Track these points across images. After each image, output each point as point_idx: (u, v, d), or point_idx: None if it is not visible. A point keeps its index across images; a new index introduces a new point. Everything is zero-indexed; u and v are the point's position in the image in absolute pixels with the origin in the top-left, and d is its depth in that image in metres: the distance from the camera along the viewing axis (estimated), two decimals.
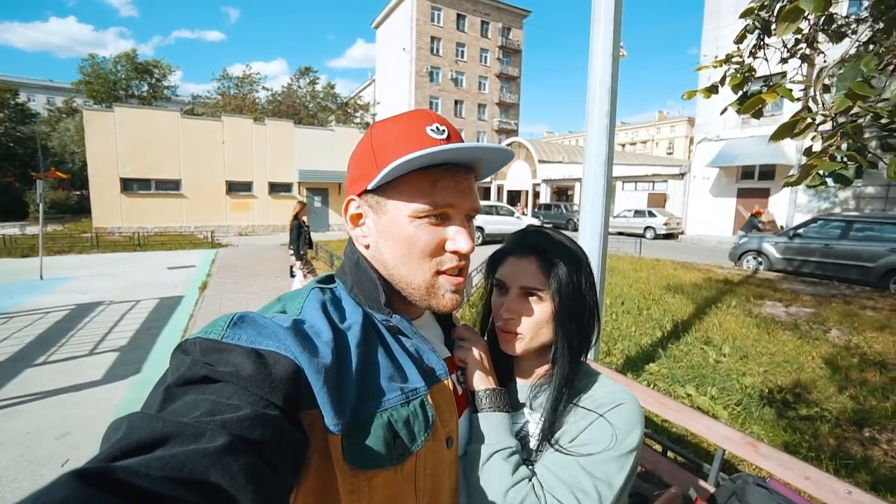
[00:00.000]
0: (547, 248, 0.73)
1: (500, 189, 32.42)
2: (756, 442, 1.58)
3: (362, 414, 0.49)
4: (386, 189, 0.56)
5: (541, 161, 28.23)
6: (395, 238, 0.56)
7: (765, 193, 16.63)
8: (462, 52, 39.60)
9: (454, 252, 0.57)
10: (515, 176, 31.05)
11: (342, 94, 34.41)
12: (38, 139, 31.46)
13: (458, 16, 38.79)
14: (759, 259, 9.76)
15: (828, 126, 0.90)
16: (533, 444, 0.72)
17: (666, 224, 18.26)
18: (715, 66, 1.30)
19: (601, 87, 2.48)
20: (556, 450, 0.68)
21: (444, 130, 0.57)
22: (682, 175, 19.70)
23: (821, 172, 0.84)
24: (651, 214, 18.78)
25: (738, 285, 7.65)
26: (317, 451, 0.47)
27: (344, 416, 0.47)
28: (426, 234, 0.55)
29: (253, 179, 18.95)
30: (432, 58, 38.10)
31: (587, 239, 2.72)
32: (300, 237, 5.80)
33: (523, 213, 20.56)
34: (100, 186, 16.28)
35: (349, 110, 32.18)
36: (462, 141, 0.59)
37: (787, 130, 0.86)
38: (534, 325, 0.71)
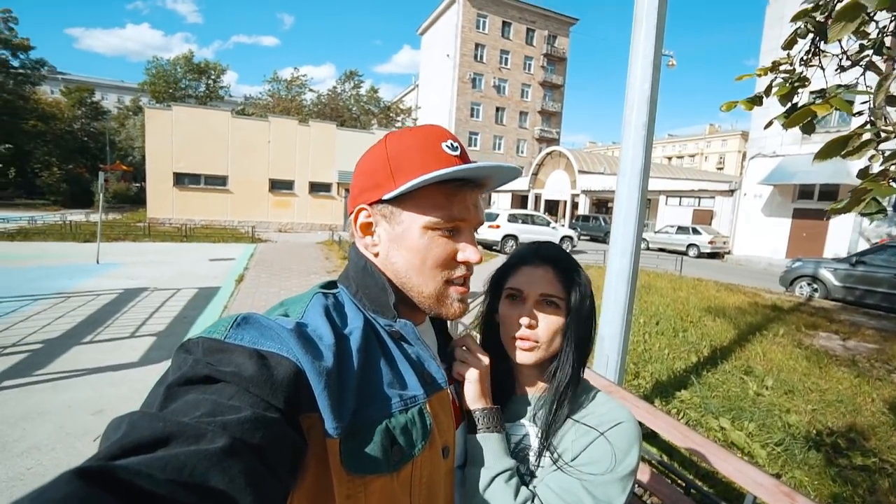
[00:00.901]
0: (562, 259, 0.77)
1: (537, 198, 31.94)
2: (793, 493, 1.42)
3: (361, 419, 0.49)
4: (402, 200, 0.57)
5: (581, 171, 27.58)
6: (408, 248, 0.58)
7: (824, 215, 15.45)
8: (506, 59, 39.50)
9: (464, 262, 0.60)
10: (554, 185, 30.51)
11: (386, 98, 35.23)
12: (107, 134, 34.20)
13: (504, 23, 38.76)
14: (815, 285, 9.04)
15: (891, 144, 0.78)
16: (533, 458, 0.73)
17: (711, 242, 17.31)
18: (759, 75, 1.17)
19: (640, 95, 2.35)
20: (559, 467, 0.69)
21: (457, 147, 0.60)
22: (732, 192, 18.64)
23: (878, 198, 0.73)
24: (695, 231, 17.88)
25: (787, 312, 7.11)
26: (314, 455, 0.47)
27: (343, 420, 0.47)
28: (439, 246, 0.58)
29: (295, 178, 19.66)
30: (476, 64, 38.23)
31: (617, 254, 2.59)
32: None
33: (560, 224, 20.11)
34: (155, 180, 17.42)
35: (391, 114, 32.84)
36: (468, 157, 0.62)
37: (838, 148, 0.75)
38: (551, 332, 0.73)
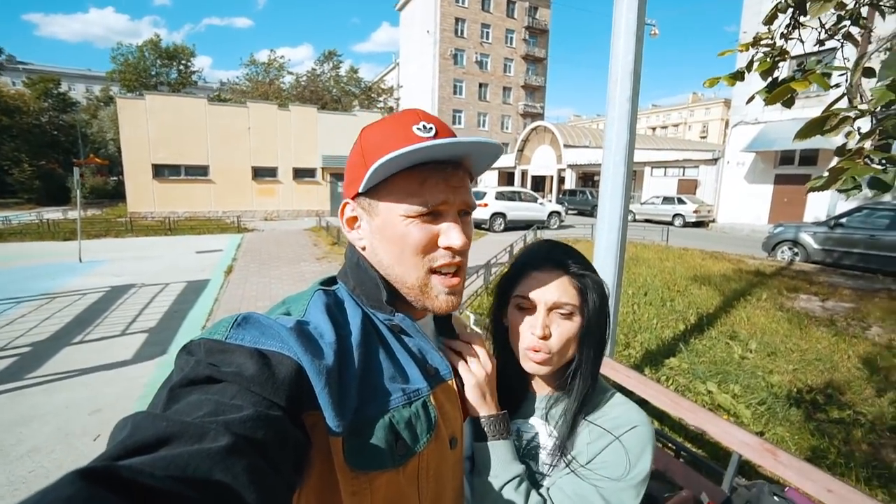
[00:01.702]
0: (573, 263, 0.72)
1: (524, 174, 31.85)
2: (775, 449, 1.50)
3: (364, 415, 0.49)
4: (377, 191, 0.56)
5: (566, 146, 27.50)
6: (388, 238, 0.57)
7: (805, 180, 15.69)
8: (487, 33, 38.64)
9: (447, 248, 0.56)
10: (540, 161, 30.42)
11: (367, 78, 34.39)
12: (78, 127, 32.90)
13: None
14: (795, 250, 9.28)
15: (866, 121, 0.80)
16: (544, 456, 0.72)
17: (696, 212, 17.55)
18: (741, 50, 1.17)
19: (623, 69, 2.34)
20: (572, 470, 0.68)
21: (431, 128, 0.56)
22: (716, 160, 18.83)
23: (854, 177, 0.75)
24: (680, 201, 18.08)
25: (770, 277, 7.31)
26: (319, 453, 0.47)
27: (345, 417, 0.47)
28: (418, 231, 0.55)
29: (278, 165, 19.26)
30: (456, 40, 37.34)
31: (605, 228, 2.62)
32: None
33: (547, 200, 20.17)
34: (133, 172, 16.90)
35: (372, 95, 32.12)
36: (453, 136, 0.57)
37: (817, 127, 0.76)
38: (565, 341, 0.70)
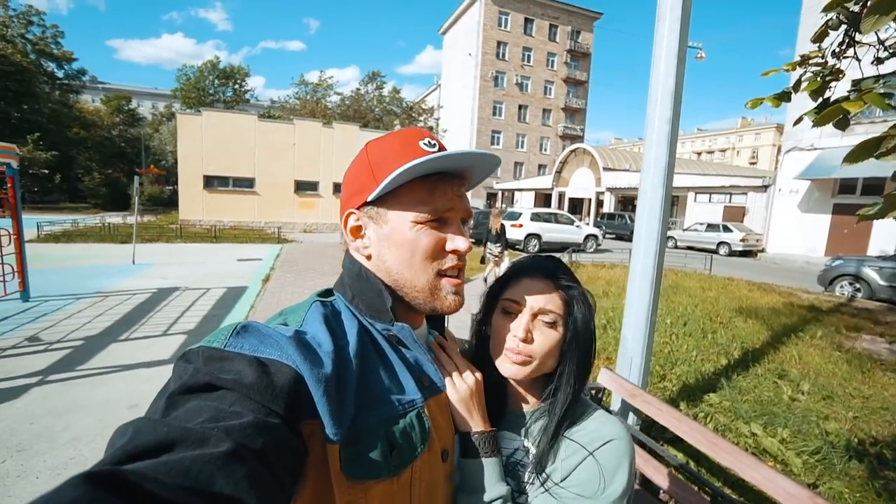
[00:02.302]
0: (563, 276, 0.74)
1: (561, 196, 31.48)
2: None
3: (360, 424, 0.50)
4: (385, 200, 0.59)
5: (606, 168, 27.01)
6: (397, 244, 0.59)
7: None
8: (529, 56, 39.07)
9: (454, 251, 0.60)
10: (578, 183, 29.99)
11: (408, 98, 35.44)
12: (142, 140, 35.79)
13: (526, 20, 38.35)
14: (857, 285, 8.57)
15: None
16: (525, 474, 0.71)
17: (743, 240, 16.65)
18: (787, 70, 1.10)
19: (664, 90, 2.28)
20: (546, 489, 0.67)
21: (434, 144, 0.61)
22: (766, 187, 17.88)
23: None
24: (726, 229, 17.23)
25: (826, 314, 6.76)
26: (315, 461, 0.47)
27: (342, 426, 0.47)
28: (427, 238, 0.58)
29: (319, 179, 20.01)
30: (498, 62, 37.98)
31: (641, 253, 2.52)
32: (502, 236, 7.89)
33: (584, 222, 19.77)
34: (187, 183, 18.06)
35: (413, 114, 33.02)
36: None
37: (870, 150, 0.69)
38: (546, 349, 0.70)
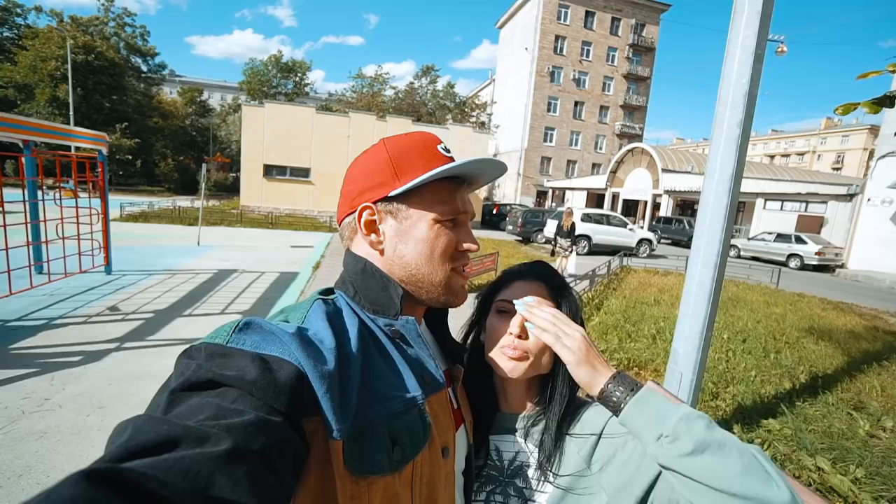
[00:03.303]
0: (554, 278, 0.79)
1: (615, 197, 30.22)
2: None
3: (363, 421, 0.50)
4: (407, 197, 0.61)
5: (665, 170, 25.56)
6: (417, 240, 0.61)
7: None
8: (588, 51, 37.62)
9: (466, 250, 0.65)
10: (634, 184, 28.64)
11: (462, 93, 35.43)
12: (211, 129, 38.47)
13: (587, 13, 36.89)
14: None
15: None
16: (531, 472, 0.72)
17: (819, 253, 15.12)
18: (892, 71, 0.96)
19: (736, 90, 2.10)
20: (558, 487, 0.68)
21: (448, 150, 0.66)
22: (851, 196, 16.13)
23: None
24: (799, 240, 15.74)
25: None
26: (317, 458, 0.47)
27: (346, 422, 0.48)
28: (445, 237, 0.62)
29: None
30: (555, 57, 36.90)
31: (699, 263, 2.36)
32: (572, 233, 8.88)
33: (638, 226, 18.87)
34: (248, 171, 19.21)
35: (466, 109, 32.96)
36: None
37: None
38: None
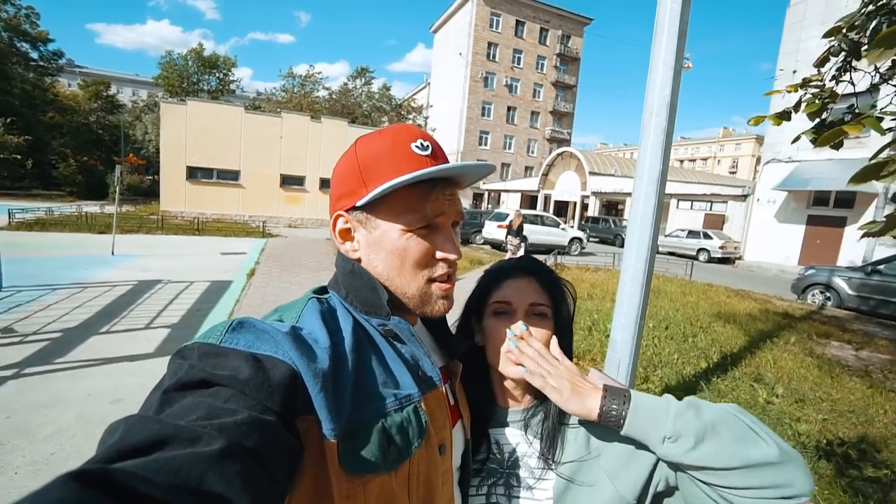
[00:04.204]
0: (544, 271, 0.79)
1: (547, 199, 31.82)
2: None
3: (357, 419, 0.50)
4: (375, 205, 0.57)
5: (591, 173, 27.43)
6: (387, 251, 0.58)
7: (840, 222, 15.20)
8: (519, 58, 39.34)
9: (444, 260, 0.60)
10: (564, 186, 30.37)
11: (398, 96, 35.29)
12: (122, 127, 34.73)
13: (518, 22, 38.59)
14: (828, 294, 8.93)
15: None
16: (532, 462, 0.73)
17: (722, 247, 17.13)
18: (790, 91, 1.16)
19: (660, 100, 2.35)
20: (560, 475, 0.69)
21: (427, 146, 0.59)
22: (745, 197, 18.43)
23: None
24: (706, 236, 17.70)
25: (799, 320, 7.03)
26: (312, 457, 0.47)
27: (340, 421, 0.47)
28: (417, 246, 0.58)
29: (306, 174, 19.80)
30: (488, 63, 38.13)
31: (632, 259, 2.59)
32: (521, 232, 10.19)
33: (569, 225, 20.02)
34: (169, 173, 17.64)
35: (402, 112, 32.89)
36: (443, 154, 0.62)
37: (874, 172, 0.76)
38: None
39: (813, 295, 9.18)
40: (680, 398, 0.66)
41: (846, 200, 15.02)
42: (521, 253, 9.78)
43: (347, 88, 31.48)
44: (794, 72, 15.66)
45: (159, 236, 12.85)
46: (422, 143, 0.58)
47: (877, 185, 13.92)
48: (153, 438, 0.32)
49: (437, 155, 0.60)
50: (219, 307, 5.83)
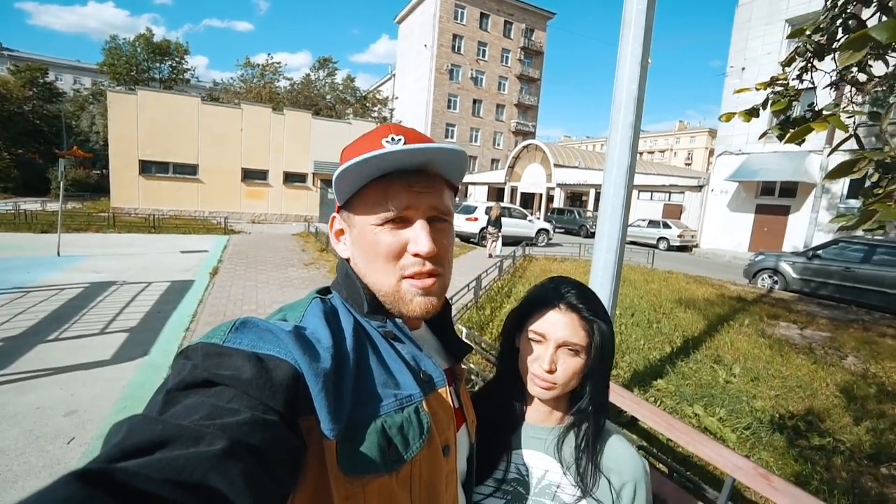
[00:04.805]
0: (586, 306, 0.77)
1: (513, 191, 32.22)
2: (769, 474, 1.53)
3: (357, 420, 0.50)
4: (352, 203, 0.59)
5: (556, 165, 27.99)
6: (362, 248, 0.59)
7: (784, 211, 16.28)
8: (484, 51, 39.41)
9: (415, 255, 0.57)
10: (530, 178, 30.85)
11: (363, 87, 34.56)
12: (63, 118, 32.16)
13: (482, 14, 38.59)
14: (775, 278, 9.56)
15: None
16: (564, 496, 0.75)
17: (680, 236, 17.99)
18: (758, 89, 1.23)
19: (627, 95, 2.42)
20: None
21: (399, 139, 0.58)
22: (700, 187, 19.39)
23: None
24: (666, 225, 18.52)
25: (751, 303, 7.50)
26: (314, 457, 0.47)
27: (339, 421, 0.47)
28: (386, 237, 0.57)
29: (268, 168, 19.12)
30: (453, 55, 37.98)
31: (603, 249, 2.67)
32: (498, 222, 11.60)
33: (535, 217, 20.40)
34: (119, 167, 16.57)
35: (367, 104, 32.27)
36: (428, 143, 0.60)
37: (847, 169, 0.82)
38: (570, 376, 0.75)
39: (762, 279, 9.81)
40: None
41: (789, 190, 16.08)
42: (499, 243, 11.51)
43: (310, 79, 30.52)
44: (743, 69, 16.54)
45: (111, 235, 12.08)
46: (393, 138, 0.57)
47: (815, 176, 14.97)
48: (156, 438, 0.33)
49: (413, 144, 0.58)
50: (181, 308, 5.57)
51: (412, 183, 0.57)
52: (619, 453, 0.77)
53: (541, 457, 0.78)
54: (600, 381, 0.78)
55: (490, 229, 11.64)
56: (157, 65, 32.16)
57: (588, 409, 0.77)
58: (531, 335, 0.78)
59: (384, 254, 0.57)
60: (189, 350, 0.45)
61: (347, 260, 0.63)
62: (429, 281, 0.58)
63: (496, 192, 33.94)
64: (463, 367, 0.72)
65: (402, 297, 0.58)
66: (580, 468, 0.74)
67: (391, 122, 31.51)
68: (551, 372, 0.74)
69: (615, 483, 0.74)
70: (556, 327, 0.75)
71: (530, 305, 0.80)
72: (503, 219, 15.04)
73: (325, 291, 0.64)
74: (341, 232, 0.64)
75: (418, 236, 0.56)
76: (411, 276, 0.57)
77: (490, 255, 11.30)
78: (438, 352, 0.70)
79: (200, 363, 0.43)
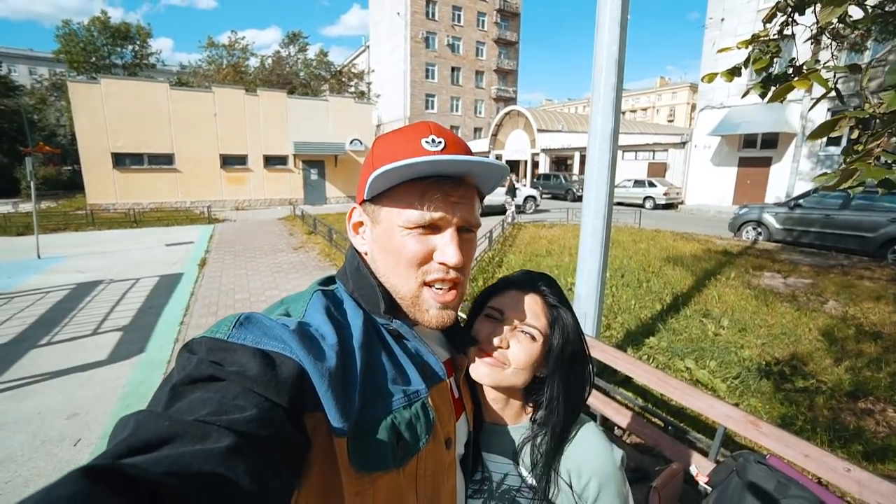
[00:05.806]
0: (551, 291, 0.73)
1: (498, 159, 31.78)
2: (758, 420, 1.61)
3: (367, 416, 0.50)
4: (381, 199, 0.57)
5: (540, 130, 27.68)
6: (386, 248, 0.58)
7: (766, 162, 16.43)
8: (459, 16, 38.04)
9: (441, 263, 0.56)
10: (514, 145, 30.53)
11: (337, 62, 33.36)
12: (23, 113, 30.57)
13: None
14: (759, 229, 9.75)
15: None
16: (522, 499, 0.70)
17: (666, 194, 18.11)
18: (740, 48, 1.21)
19: (608, 57, 2.38)
20: None
21: (440, 142, 0.56)
22: (684, 144, 19.39)
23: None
24: (651, 184, 18.60)
25: (737, 256, 7.67)
26: (320, 454, 0.47)
27: (349, 418, 0.47)
28: (414, 244, 0.56)
29: (247, 153, 18.58)
30: (428, 22, 36.60)
31: (591, 214, 2.68)
32: (512, 190, 13.20)
33: (522, 184, 20.32)
34: (91, 162, 15.95)
35: (343, 79, 31.22)
36: (461, 152, 0.58)
37: (829, 128, 0.82)
38: (520, 359, 0.69)
39: (747, 232, 9.99)
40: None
41: (771, 141, 16.18)
42: (512, 208, 12.80)
43: (281, 56, 29.30)
44: (723, 19, 16.27)
45: (91, 233, 11.78)
46: (434, 139, 0.56)
47: (795, 126, 15.05)
48: (163, 435, 0.33)
49: (451, 151, 0.57)
50: (172, 302, 5.52)
51: (450, 192, 0.55)
52: (585, 451, 0.70)
53: (501, 460, 0.74)
54: (563, 386, 0.70)
55: (507, 198, 12.95)
56: (119, 49, 30.44)
57: (553, 410, 0.70)
58: (489, 312, 0.73)
59: (409, 258, 0.56)
60: (193, 344, 0.45)
61: (365, 253, 0.62)
62: (449, 295, 0.58)
63: None
64: (464, 358, 0.70)
65: (420, 305, 0.58)
66: (537, 476, 0.69)
67: (368, 96, 30.62)
68: (502, 347, 0.69)
69: (576, 486, 0.68)
70: (517, 305, 0.71)
71: (495, 287, 0.77)
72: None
73: (328, 281, 0.63)
74: (360, 224, 0.62)
75: (447, 247, 0.56)
76: (432, 283, 0.57)
77: (510, 223, 11.75)
78: (440, 342, 0.69)
79: (205, 357, 0.43)
